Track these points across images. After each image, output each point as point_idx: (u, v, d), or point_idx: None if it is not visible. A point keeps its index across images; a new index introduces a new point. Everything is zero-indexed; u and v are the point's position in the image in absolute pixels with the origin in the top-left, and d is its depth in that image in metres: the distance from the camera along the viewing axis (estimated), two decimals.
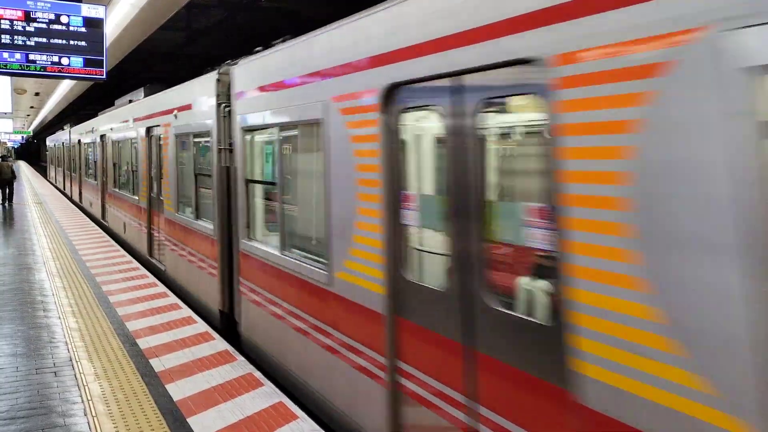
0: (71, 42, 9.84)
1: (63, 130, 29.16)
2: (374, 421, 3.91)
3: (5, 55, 9.39)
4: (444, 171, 3.34)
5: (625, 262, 2.25)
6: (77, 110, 37.67)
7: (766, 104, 1.84)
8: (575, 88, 2.41)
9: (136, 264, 10.19)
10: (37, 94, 30.04)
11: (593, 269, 2.38)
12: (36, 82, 24.15)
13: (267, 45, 6.03)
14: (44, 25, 9.60)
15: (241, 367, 5.42)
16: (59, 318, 6.94)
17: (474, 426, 3.09)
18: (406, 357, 3.63)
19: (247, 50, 6.86)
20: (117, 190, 13.70)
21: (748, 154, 1.85)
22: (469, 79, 3.13)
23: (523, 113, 3.20)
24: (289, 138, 5.38)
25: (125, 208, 12.58)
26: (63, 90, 25.67)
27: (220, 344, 6.04)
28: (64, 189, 27.92)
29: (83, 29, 9.93)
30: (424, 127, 3.88)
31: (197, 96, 7.50)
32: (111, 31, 12.36)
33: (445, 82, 3.28)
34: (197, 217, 7.79)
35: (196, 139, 7.81)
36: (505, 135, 3.35)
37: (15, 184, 22.50)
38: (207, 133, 7.17)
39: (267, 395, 4.79)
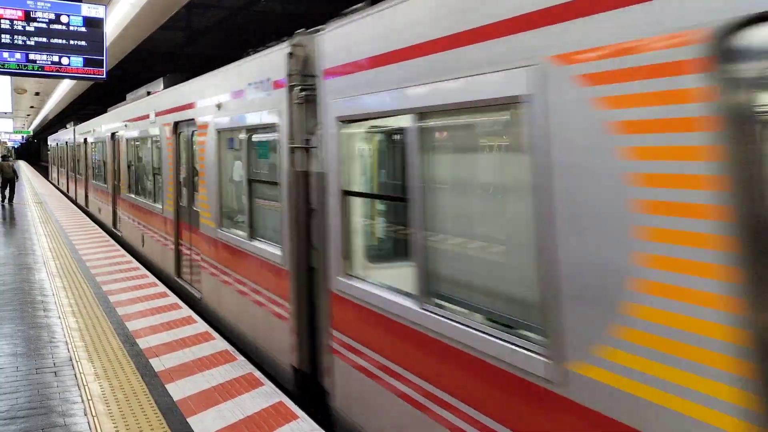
0: (71, 42, 9.85)
1: (66, 128, 27.16)
2: None
3: (5, 54, 9.39)
4: None
5: None
6: (78, 110, 37.69)
7: None
8: None
9: (136, 264, 10.19)
10: (37, 93, 30.05)
11: None
12: (36, 81, 24.17)
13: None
14: (44, 25, 9.62)
15: (241, 366, 5.42)
16: (59, 318, 6.94)
17: None
18: None
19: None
20: (133, 196, 11.85)
21: None
22: None
23: None
24: (435, 130, 3.55)
25: (144, 218, 10.79)
26: (63, 90, 25.68)
27: (220, 344, 6.04)
28: (68, 191, 26.05)
29: (83, 29, 9.94)
30: None
31: (253, 79, 5.77)
32: (111, 30, 12.37)
33: None
34: (252, 236, 6.05)
35: (252, 136, 6.08)
36: None
37: (16, 184, 22.52)
38: (270, 128, 5.48)
39: (267, 395, 4.79)
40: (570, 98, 2.43)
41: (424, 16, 3.34)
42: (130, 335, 6.30)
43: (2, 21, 9.30)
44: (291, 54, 5.00)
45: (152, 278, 9.08)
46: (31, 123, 59.36)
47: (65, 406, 4.60)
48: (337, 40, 4.36)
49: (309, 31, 5.04)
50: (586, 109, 2.35)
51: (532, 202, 2.64)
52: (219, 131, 6.72)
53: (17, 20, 9.41)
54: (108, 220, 15.13)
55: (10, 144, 69.87)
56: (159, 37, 14.90)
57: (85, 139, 19.33)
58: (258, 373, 5.25)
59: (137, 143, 11.63)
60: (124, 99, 14.70)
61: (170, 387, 4.95)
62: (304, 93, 4.88)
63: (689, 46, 2.01)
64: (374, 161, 4.60)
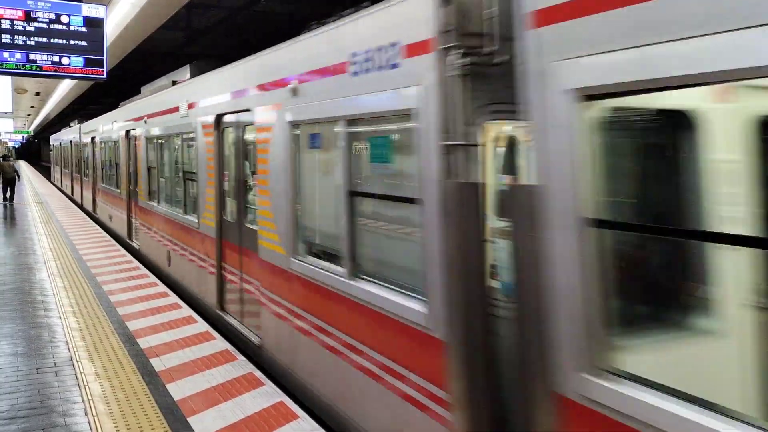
0: (71, 42, 9.86)
1: (70, 127, 25.83)
2: None
3: (6, 54, 9.40)
4: None
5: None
6: (78, 110, 37.71)
7: None
8: None
9: (136, 263, 10.19)
10: (37, 93, 30.07)
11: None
12: (36, 81, 24.18)
13: None
14: (45, 25, 9.62)
15: (241, 366, 5.42)
16: (60, 318, 6.94)
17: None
18: None
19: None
20: (155, 204, 10.04)
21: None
22: None
23: None
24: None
25: (171, 232, 8.95)
26: (64, 89, 25.69)
27: (220, 343, 6.04)
28: (72, 194, 24.49)
29: (83, 29, 9.94)
30: None
31: (364, 46, 3.99)
32: (111, 30, 12.37)
33: None
34: (354, 274, 4.23)
35: (355, 130, 4.29)
36: None
37: (17, 184, 22.53)
38: (394, 116, 3.82)
39: (267, 395, 4.79)
40: None
41: None
42: (131, 335, 6.30)
43: (2, 21, 9.30)
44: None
45: (152, 278, 9.09)
46: (32, 123, 59.38)
47: (66, 405, 4.60)
48: None
49: None
50: None
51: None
52: (295, 124, 4.94)
53: (17, 20, 9.41)
54: (122, 230, 13.23)
55: (10, 144, 69.90)
56: (159, 37, 14.89)
57: (93, 139, 17.73)
58: (258, 373, 5.26)
59: (161, 142, 9.94)
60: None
61: (171, 387, 4.95)
62: (467, 60, 3.06)
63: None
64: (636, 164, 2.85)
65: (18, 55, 9.49)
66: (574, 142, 2.42)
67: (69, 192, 25.81)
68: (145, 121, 10.52)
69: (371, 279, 4.07)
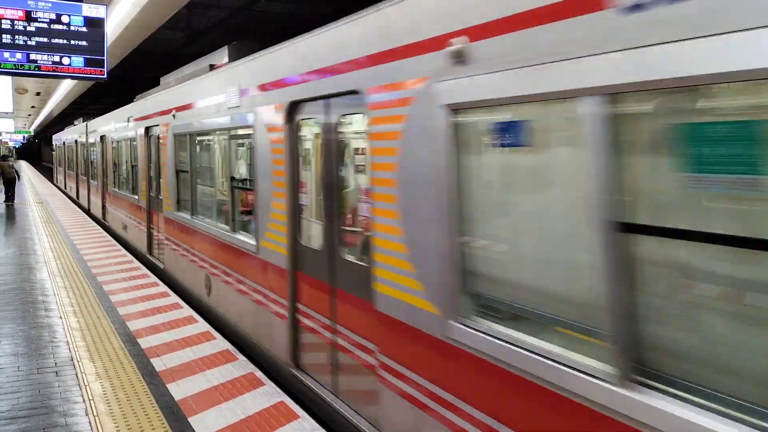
0: (72, 42, 9.87)
1: (74, 125, 23.96)
2: None
3: (6, 54, 9.41)
4: None
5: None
6: (78, 110, 37.74)
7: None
8: None
9: (137, 263, 10.19)
10: (38, 93, 30.10)
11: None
12: (37, 81, 24.21)
13: None
14: (45, 25, 9.63)
15: (242, 366, 5.42)
16: (60, 318, 6.94)
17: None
18: None
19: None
20: (189, 217, 8.14)
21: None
22: None
23: None
24: None
25: (219, 257, 6.96)
26: (64, 89, 25.71)
27: (221, 343, 6.04)
28: (78, 198, 22.66)
29: (84, 29, 9.95)
30: None
31: None
32: (112, 30, 12.38)
33: None
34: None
35: (632, 109, 2.34)
36: None
37: (17, 184, 22.55)
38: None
39: (268, 394, 4.79)
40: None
41: None
42: (131, 335, 6.30)
43: (3, 21, 9.31)
44: None
45: (153, 278, 9.07)
46: (32, 123, 59.44)
47: (66, 405, 4.60)
48: None
49: None
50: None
51: None
52: (458, 109, 3.15)
53: (18, 20, 9.42)
54: (139, 243, 11.42)
55: (11, 144, 69.96)
56: (159, 37, 14.90)
57: (102, 137, 15.76)
58: (259, 373, 5.26)
59: (197, 140, 8.09)
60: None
61: (171, 387, 4.95)
62: None
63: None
64: None
65: (18, 55, 9.50)
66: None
67: (74, 195, 23.98)
68: (174, 115, 8.66)
69: (676, 392, 2.16)
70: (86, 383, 5.01)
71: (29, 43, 9.52)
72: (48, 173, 48.21)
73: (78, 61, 9.95)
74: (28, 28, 9.50)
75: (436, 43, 3.26)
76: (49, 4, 9.62)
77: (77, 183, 22.56)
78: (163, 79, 10.46)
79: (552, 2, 2.55)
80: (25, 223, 15.45)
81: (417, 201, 3.42)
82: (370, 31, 3.89)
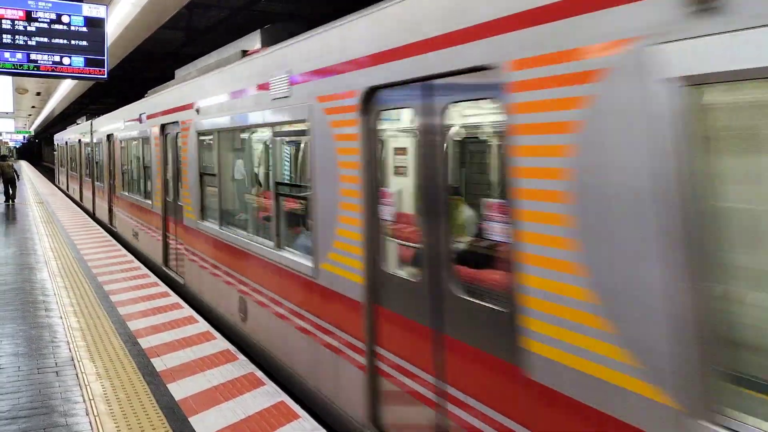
0: (72, 42, 9.87)
1: (77, 124, 22.91)
2: None
3: (6, 54, 9.41)
4: None
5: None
6: (79, 110, 37.76)
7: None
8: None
9: (137, 263, 10.19)
10: (38, 93, 30.12)
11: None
12: (37, 81, 24.22)
13: None
14: (45, 25, 9.64)
15: (242, 366, 5.42)
16: (61, 318, 6.94)
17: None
18: None
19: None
20: (218, 228, 6.92)
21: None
22: None
23: None
24: None
25: (259, 278, 5.85)
26: (65, 89, 25.72)
27: (221, 343, 6.04)
28: (81, 200, 21.38)
29: (84, 29, 9.96)
30: None
31: None
32: (112, 30, 12.38)
33: None
34: None
35: None
36: None
37: (17, 184, 22.56)
38: None
39: (268, 394, 4.79)
40: None
41: None
42: (132, 335, 6.30)
43: (3, 21, 9.32)
44: None
45: (153, 278, 9.07)
46: (33, 123, 59.48)
47: (67, 405, 4.60)
48: None
49: None
50: None
51: None
52: None
53: (18, 20, 9.42)
54: (153, 253, 10.21)
55: (11, 144, 70.00)
56: (159, 37, 14.90)
57: (109, 137, 14.50)
58: (259, 373, 5.26)
59: (229, 138, 6.99)
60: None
61: (172, 387, 4.95)
62: None
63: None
64: None
65: (19, 55, 9.50)
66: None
67: (77, 197, 22.69)
68: (197, 110, 7.47)
69: None
70: (87, 383, 5.01)
71: (29, 43, 9.52)
72: (49, 174, 48.20)
73: (78, 61, 9.95)
74: (29, 28, 9.50)
75: None
76: (50, 4, 9.62)
77: (80, 185, 21.47)
78: (180, 72, 9.44)
79: None
80: (25, 223, 15.46)
81: (620, 225, 2.31)
82: None
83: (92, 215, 18.00)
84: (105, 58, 10.20)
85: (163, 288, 8.42)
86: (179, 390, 4.89)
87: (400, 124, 4.08)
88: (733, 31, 1.90)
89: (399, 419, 3.78)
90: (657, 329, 2.16)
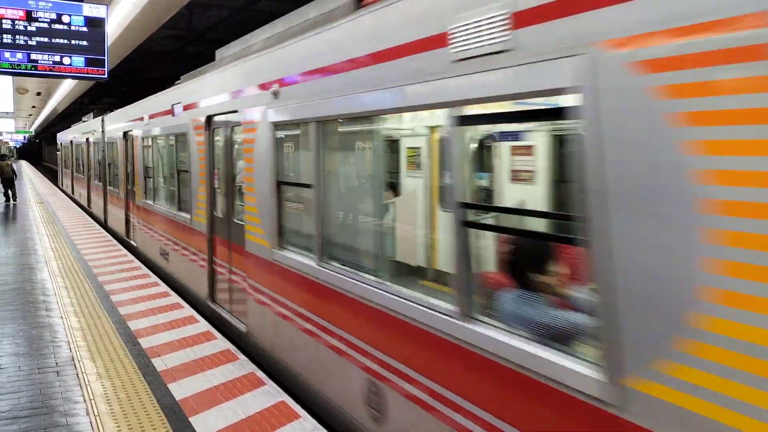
0: (73, 41, 9.87)
1: (83, 121, 21.06)
2: None
3: (7, 54, 9.42)
4: None
5: None
6: (79, 110, 37.76)
7: None
8: None
9: (137, 263, 10.19)
10: (38, 93, 30.13)
11: None
12: (38, 81, 24.23)
13: None
14: (46, 25, 9.64)
15: (243, 366, 5.42)
16: (61, 317, 6.94)
17: None
18: None
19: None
20: (313, 264, 4.67)
21: None
22: None
23: None
24: None
25: (402, 350, 3.61)
26: (65, 89, 25.73)
27: (221, 343, 6.04)
28: (89, 206, 19.34)
29: (85, 29, 9.96)
30: None
31: None
32: (112, 30, 12.38)
33: None
34: None
35: None
36: None
37: (17, 183, 22.58)
38: None
39: (269, 394, 4.79)
40: None
41: None
42: (132, 335, 6.30)
43: (4, 21, 9.32)
44: None
45: (154, 278, 9.07)
46: (33, 123, 59.51)
47: (67, 405, 4.60)
48: None
49: None
50: None
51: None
52: None
53: (19, 20, 9.42)
54: (194, 283, 7.88)
55: (11, 144, 70.02)
56: (159, 37, 14.91)
57: (126, 134, 12.42)
58: (260, 373, 5.26)
59: (376, 134, 4.29)
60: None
61: (172, 386, 4.95)
62: None
63: None
64: None
65: (19, 55, 9.50)
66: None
67: (84, 203, 20.48)
68: (275, 93, 5.17)
69: None
70: (87, 383, 5.01)
71: (30, 43, 9.52)
72: (49, 174, 48.18)
73: (78, 60, 9.95)
74: (29, 28, 9.50)
75: None
76: (50, 4, 9.62)
77: (89, 189, 19.17)
78: (223, 51, 7.51)
79: None
80: (25, 223, 15.46)
81: None
82: None
83: (104, 224, 15.74)
84: (105, 57, 10.20)
85: (164, 288, 8.40)
86: (180, 390, 4.88)
87: None
88: None
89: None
90: None
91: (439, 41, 3.18)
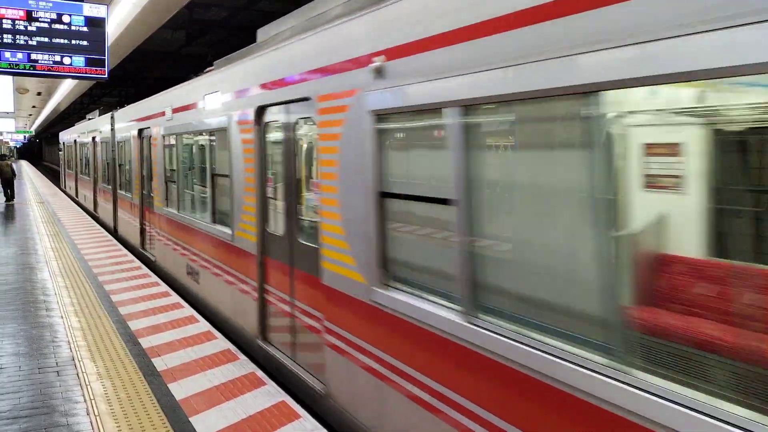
0: (73, 41, 9.87)
1: (87, 119, 19.85)
2: None
3: (7, 54, 9.41)
4: None
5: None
6: (79, 110, 37.76)
7: None
8: None
9: (138, 263, 10.19)
10: (39, 93, 30.13)
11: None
12: (38, 81, 24.23)
13: None
14: (46, 25, 9.63)
15: (243, 366, 5.42)
16: (62, 317, 6.95)
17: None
18: None
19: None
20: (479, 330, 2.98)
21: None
22: None
23: None
24: None
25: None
26: (65, 89, 25.73)
27: (222, 343, 6.04)
28: (96, 211, 18.01)
29: (85, 29, 9.95)
30: None
31: None
32: (113, 30, 12.39)
33: None
34: None
35: None
36: None
37: (16, 183, 22.57)
38: None
39: (269, 394, 4.79)
40: None
41: None
42: (133, 335, 6.30)
43: (4, 21, 9.32)
44: None
45: (154, 278, 9.07)
46: (33, 123, 59.52)
47: (68, 405, 4.60)
48: None
49: None
50: None
51: None
52: None
53: (19, 20, 9.42)
54: (240, 316, 6.35)
55: (12, 144, 70.03)
56: (159, 37, 14.91)
57: (141, 132, 11.00)
58: (260, 373, 5.26)
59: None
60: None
61: (172, 386, 4.95)
62: None
63: None
64: None
65: (19, 55, 9.50)
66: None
67: (90, 207, 19.01)
68: (378, 70, 3.75)
69: None
70: (87, 383, 5.01)
71: (30, 42, 9.52)
72: (50, 174, 48.17)
73: (79, 60, 9.95)
74: (29, 28, 9.50)
75: None
76: (50, 4, 9.62)
77: (95, 193, 17.80)
78: (267, 30, 6.09)
79: None
80: (26, 223, 15.46)
81: None
82: None
83: (113, 232, 14.68)
84: (105, 57, 10.20)
85: (164, 288, 8.40)
86: (180, 390, 4.89)
87: None
88: None
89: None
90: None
91: None
